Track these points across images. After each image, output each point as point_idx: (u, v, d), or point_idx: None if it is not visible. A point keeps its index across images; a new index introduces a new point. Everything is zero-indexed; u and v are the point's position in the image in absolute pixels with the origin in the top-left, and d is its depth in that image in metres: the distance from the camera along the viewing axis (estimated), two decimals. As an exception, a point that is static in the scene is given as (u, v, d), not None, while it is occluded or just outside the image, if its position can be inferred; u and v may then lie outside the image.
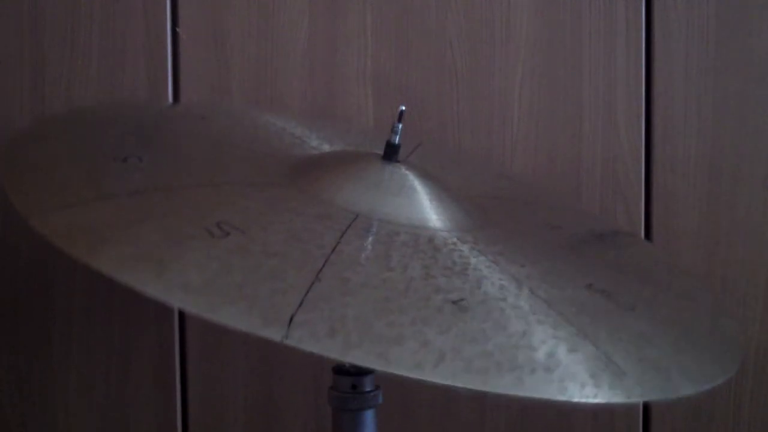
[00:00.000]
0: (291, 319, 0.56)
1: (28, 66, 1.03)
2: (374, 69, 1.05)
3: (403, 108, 0.77)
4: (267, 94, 1.04)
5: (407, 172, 0.76)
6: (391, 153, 0.77)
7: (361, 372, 0.77)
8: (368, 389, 0.78)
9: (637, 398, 0.61)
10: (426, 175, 0.78)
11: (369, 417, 0.79)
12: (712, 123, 1.05)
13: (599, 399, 0.59)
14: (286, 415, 1.06)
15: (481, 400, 1.05)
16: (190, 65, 1.04)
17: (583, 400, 0.58)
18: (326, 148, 0.89)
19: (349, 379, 0.78)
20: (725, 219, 1.05)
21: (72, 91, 1.03)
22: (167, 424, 1.05)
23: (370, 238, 0.68)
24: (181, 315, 1.05)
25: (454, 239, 0.71)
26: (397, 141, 0.77)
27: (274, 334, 0.56)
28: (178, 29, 1.04)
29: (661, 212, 1.06)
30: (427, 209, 0.74)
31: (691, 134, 1.05)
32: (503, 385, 0.57)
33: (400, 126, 0.77)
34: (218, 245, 0.62)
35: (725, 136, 1.05)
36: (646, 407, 1.06)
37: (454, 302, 0.62)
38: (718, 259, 1.06)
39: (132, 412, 1.05)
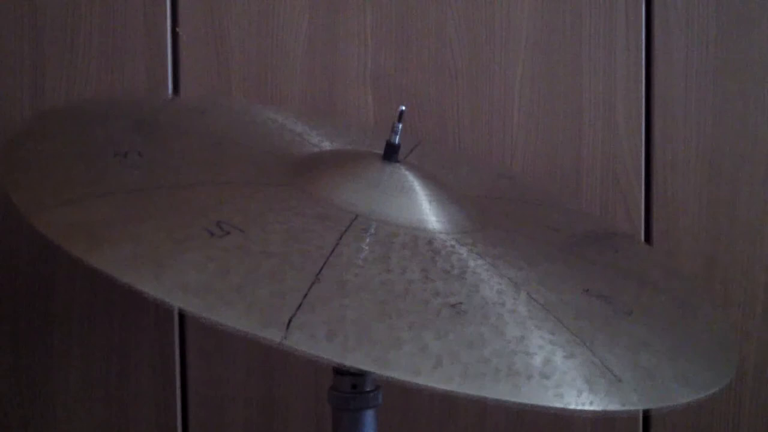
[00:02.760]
0: (289, 322, 0.56)
1: (28, 66, 1.03)
2: (374, 69, 1.05)
3: (403, 108, 0.77)
4: (267, 94, 1.04)
5: (407, 172, 0.76)
6: (391, 153, 0.77)
7: (361, 372, 0.77)
8: (368, 389, 0.78)
9: (633, 406, 0.61)
10: (426, 176, 0.78)
11: (369, 417, 0.78)
12: (712, 123, 1.05)
13: (595, 407, 0.59)
14: (286, 415, 1.06)
15: (481, 400, 1.05)
16: (190, 65, 1.04)
17: (579, 408, 0.58)
18: (326, 145, 0.89)
19: (349, 379, 0.78)
20: (725, 219, 1.05)
21: (72, 91, 1.03)
22: (167, 424, 1.05)
23: (368, 239, 0.68)
24: (181, 315, 1.05)
25: (453, 242, 0.71)
26: (397, 141, 0.77)
27: (273, 335, 0.55)
28: (178, 29, 1.04)
29: (661, 212, 1.06)
30: (426, 210, 0.74)
31: (691, 134, 1.05)
32: (500, 391, 0.57)
33: (400, 126, 0.77)
34: (218, 245, 0.62)
35: (725, 136, 1.05)
36: (647, 406, 1.06)
37: (452, 306, 0.62)
38: (718, 259, 1.06)
39: (132, 412, 1.05)
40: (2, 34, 1.02)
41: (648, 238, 1.06)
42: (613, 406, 0.59)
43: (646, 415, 1.06)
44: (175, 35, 1.04)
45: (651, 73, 1.05)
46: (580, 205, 1.05)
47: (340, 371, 0.78)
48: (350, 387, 0.78)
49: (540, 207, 0.97)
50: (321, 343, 0.56)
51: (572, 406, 0.58)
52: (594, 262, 0.82)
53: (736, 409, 1.06)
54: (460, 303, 0.62)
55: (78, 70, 1.03)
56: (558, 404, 0.58)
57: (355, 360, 0.56)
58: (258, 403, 1.06)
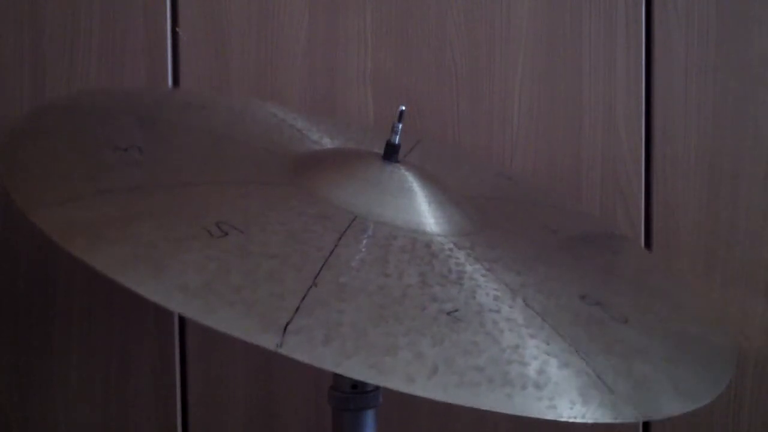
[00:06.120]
0: (286, 326, 0.56)
1: (28, 66, 1.03)
2: (374, 69, 1.05)
3: (403, 108, 0.77)
4: (267, 95, 1.04)
5: (407, 172, 0.76)
6: (391, 153, 0.77)
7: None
8: (368, 389, 0.78)
9: (625, 418, 0.60)
10: (425, 176, 0.77)
11: (369, 417, 0.79)
12: (712, 123, 1.05)
13: (587, 419, 0.59)
14: (286, 415, 1.06)
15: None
16: (190, 65, 1.04)
17: (572, 420, 0.58)
18: (327, 141, 0.88)
19: (349, 379, 0.78)
20: (725, 219, 1.05)
21: (72, 91, 1.03)
22: (167, 424, 1.05)
23: (365, 241, 0.68)
24: (181, 315, 1.05)
25: (451, 245, 0.71)
26: (397, 141, 0.77)
27: (269, 342, 0.55)
28: (178, 29, 1.04)
29: (661, 212, 1.06)
30: (425, 212, 0.74)
31: (691, 134, 1.05)
32: (493, 401, 0.57)
33: (400, 126, 0.77)
34: (217, 245, 0.62)
35: (725, 136, 1.05)
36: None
37: (448, 313, 0.62)
38: (718, 259, 1.05)
39: (132, 412, 1.05)
40: (2, 34, 1.02)
41: (648, 238, 1.06)
42: (606, 418, 0.59)
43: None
44: (175, 35, 1.04)
45: (651, 73, 1.05)
46: (579, 205, 1.05)
47: (339, 371, 0.78)
48: (350, 387, 0.78)
49: (539, 207, 0.97)
50: (318, 347, 0.56)
51: (564, 418, 0.58)
52: (592, 264, 0.82)
53: (736, 409, 1.06)
54: (457, 310, 0.62)
55: (78, 70, 1.03)
56: (550, 415, 0.58)
57: (350, 368, 0.55)
58: (258, 403, 1.06)
